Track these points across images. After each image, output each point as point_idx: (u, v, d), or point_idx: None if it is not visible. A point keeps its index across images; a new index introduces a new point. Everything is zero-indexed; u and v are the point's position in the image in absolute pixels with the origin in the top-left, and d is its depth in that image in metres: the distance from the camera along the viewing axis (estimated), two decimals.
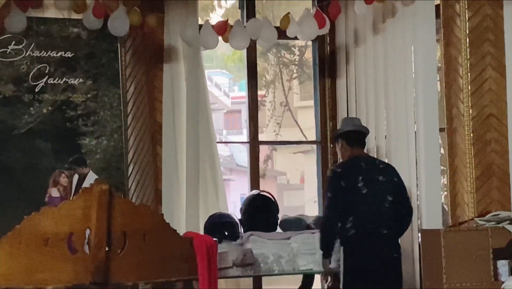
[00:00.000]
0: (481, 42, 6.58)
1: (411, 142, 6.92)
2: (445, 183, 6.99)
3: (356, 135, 6.29)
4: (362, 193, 6.03)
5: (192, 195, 7.11)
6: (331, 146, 7.67)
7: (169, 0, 7.16)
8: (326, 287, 7.08)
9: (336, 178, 6.11)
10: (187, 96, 7.19)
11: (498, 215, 5.94)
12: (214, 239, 5.17)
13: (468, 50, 6.58)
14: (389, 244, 5.94)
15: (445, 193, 7.13)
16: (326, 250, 6.10)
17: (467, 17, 6.58)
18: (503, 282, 5.40)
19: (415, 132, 6.88)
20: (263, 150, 10.37)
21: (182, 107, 7.20)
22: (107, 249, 4.73)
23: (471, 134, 6.53)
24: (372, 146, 7.31)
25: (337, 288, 6.43)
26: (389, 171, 6.14)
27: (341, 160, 6.41)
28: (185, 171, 7.14)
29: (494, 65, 6.56)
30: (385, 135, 7.24)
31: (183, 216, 7.06)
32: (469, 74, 6.57)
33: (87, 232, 4.68)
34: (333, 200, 6.03)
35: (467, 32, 6.59)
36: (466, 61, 6.58)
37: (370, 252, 5.90)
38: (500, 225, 5.79)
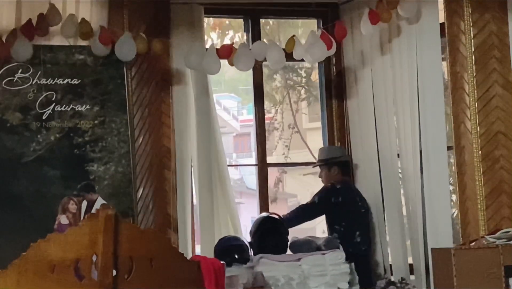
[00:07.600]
0: (487, 59, 6.56)
1: (417, 161, 6.91)
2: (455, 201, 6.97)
3: (348, 164, 7.38)
4: (361, 212, 7.11)
5: (207, 219, 7.12)
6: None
7: (175, 25, 7.21)
8: None
9: (331, 192, 7.05)
10: (197, 120, 7.21)
11: (508, 232, 5.90)
12: (222, 262, 5.15)
13: (474, 67, 6.56)
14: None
15: (455, 211, 7.10)
16: (290, 226, 6.92)
17: (472, 35, 6.57)
18: None
19: (420, 151, 6.86)
20: (274, 173, 10.34)
21: (192, 131, 7.22)
22: (114, 274, 4.72)
23: (480, 152, 6.49)
24: (388, 165, 7.30)
25: None
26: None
27: (326, 184, 7.22)
28: (198, 196, 7.14)
29: (501, 82, 6.53)
30: (398, 154, 7.23)
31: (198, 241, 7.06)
32: (475, 91, 6.54)
33: (94, 257, 4.67)
34: (316, 207, 7.08)
35: (473, 49, 6.57)
36: (472, 79, 6.56)
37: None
38: (511, 242, 5.75)
